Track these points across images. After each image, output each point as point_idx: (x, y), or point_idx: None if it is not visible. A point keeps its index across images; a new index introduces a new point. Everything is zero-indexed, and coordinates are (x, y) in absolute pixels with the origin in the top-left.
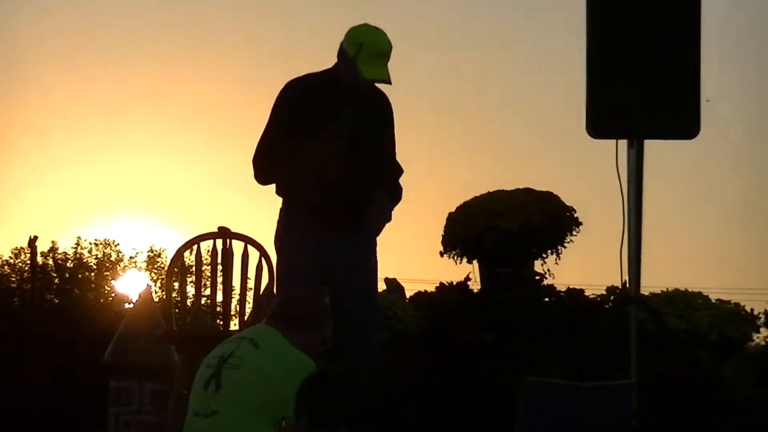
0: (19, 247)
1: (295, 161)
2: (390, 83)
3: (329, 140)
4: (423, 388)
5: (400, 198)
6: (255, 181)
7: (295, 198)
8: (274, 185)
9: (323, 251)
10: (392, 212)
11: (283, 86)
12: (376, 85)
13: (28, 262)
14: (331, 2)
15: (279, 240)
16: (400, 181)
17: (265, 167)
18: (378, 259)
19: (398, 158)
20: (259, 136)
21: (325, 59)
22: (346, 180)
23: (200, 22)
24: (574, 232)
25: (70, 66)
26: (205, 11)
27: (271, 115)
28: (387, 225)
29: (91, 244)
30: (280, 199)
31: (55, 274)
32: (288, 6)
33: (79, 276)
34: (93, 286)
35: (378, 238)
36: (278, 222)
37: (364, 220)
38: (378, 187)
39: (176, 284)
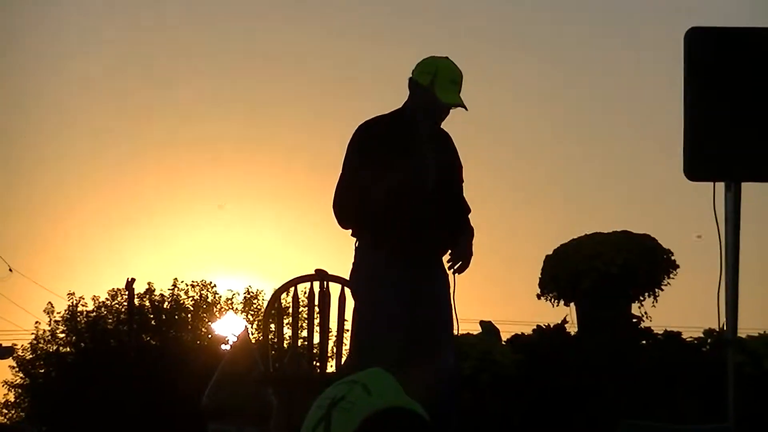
0: (116, 289)
1: (375, 197)
2: (466, 108)
3: (408, 174)
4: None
5: (473, 234)
6: (339, 225)
7: (377, 237)
8: (351, 229)
9: (408, 289)
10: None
11: (355, 130)
12: (449, 114)
13: (125, 303)
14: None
15: (360, 280)
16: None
17: (348, 208)
18: (474, 300)
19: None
20: (337, 182)
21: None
22: (429, 214)
23: (288, 74)
24: (671, 275)
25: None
26: (292, 68)
27: (345, 159)
28: (482, 265)
29: (187, 285)
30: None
31: (152, 316)
32: (398, 60)
33: (176, 317)
34: (190, 327)
35: (473, 279)
36: (357, 263)
37: (454, 256)
38: (458, 221)
39: (273, 326)
